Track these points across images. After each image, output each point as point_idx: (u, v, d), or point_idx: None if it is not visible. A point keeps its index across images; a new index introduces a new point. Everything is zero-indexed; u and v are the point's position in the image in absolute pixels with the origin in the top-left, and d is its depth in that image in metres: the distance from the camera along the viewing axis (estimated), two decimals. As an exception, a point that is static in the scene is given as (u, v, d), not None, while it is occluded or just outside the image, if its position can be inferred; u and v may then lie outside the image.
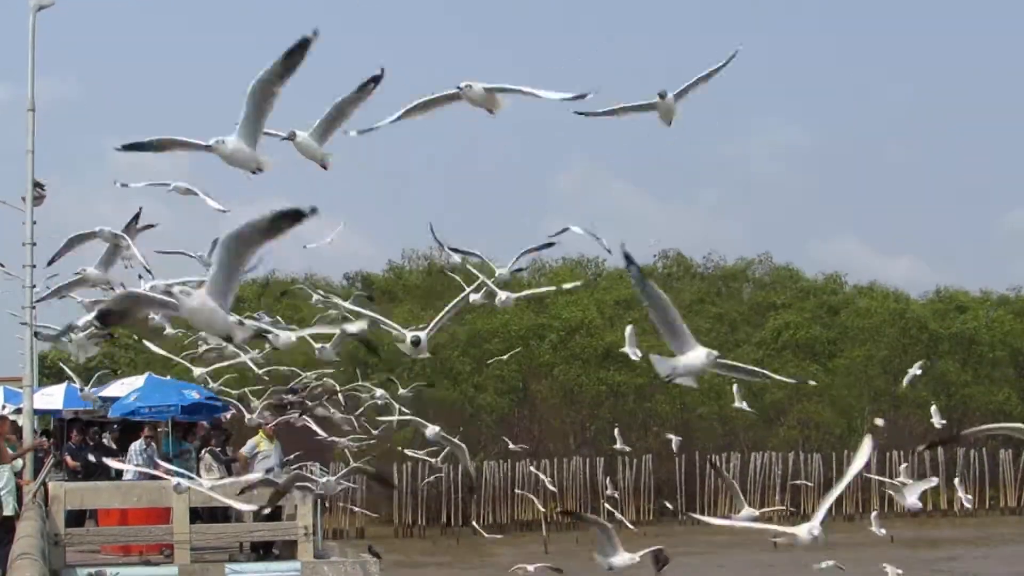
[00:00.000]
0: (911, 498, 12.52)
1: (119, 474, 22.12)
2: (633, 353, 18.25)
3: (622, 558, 12.95)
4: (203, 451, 23.34)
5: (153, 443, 22.72)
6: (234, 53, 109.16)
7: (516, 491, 46.95)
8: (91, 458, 24.40)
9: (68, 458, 24.85)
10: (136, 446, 22.45)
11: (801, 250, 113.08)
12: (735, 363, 9.39)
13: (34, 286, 22.74)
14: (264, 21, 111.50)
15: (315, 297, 16.23)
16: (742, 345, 55.87)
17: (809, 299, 60.83)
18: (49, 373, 47.20)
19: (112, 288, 13.62)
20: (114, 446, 26.02)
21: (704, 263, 64.10)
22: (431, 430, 15.20)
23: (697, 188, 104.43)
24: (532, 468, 45.58)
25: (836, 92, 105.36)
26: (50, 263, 14.78)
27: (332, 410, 20.89)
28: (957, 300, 60.26)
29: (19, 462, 19.77)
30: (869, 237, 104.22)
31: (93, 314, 12.64)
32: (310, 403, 19.86)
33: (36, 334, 18.30)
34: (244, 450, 21.18)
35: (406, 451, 28.40)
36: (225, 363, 19.11)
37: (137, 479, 20.87)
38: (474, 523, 41.44)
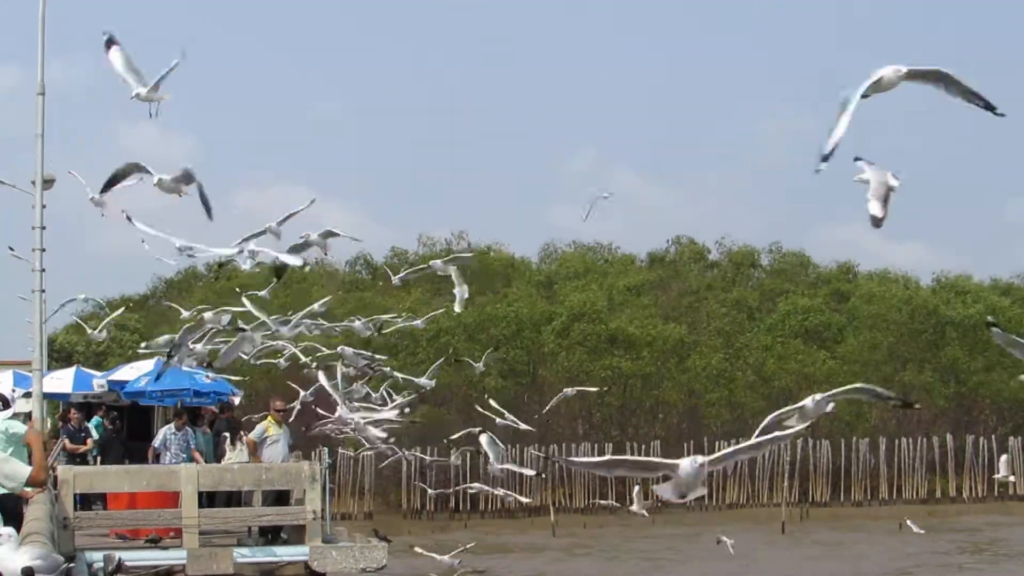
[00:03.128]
0: None
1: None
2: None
3: None
4: (224, 433, 23.36)
5: (187, 428, 22.55)
6: (243, 40, 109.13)
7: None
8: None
9: (67, 441, 24.81)
10: (168, 431, 22.34)
11: (810, 235, 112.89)
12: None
13: (43, 269, 22.80)
14: (276, 6, 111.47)
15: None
16: (751, 330, 55.82)
17: (820, 286, 60.72)
18: (58, 357, 47.34)
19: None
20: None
21: (717, 248, 64.01)
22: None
23: (706, 175, 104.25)
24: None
25: (842, 78, 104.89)
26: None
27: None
28: (958, 286, 60.09)
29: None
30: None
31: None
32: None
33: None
34: (252, 435, 21.21)
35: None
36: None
37: (179, 463, 20.87)
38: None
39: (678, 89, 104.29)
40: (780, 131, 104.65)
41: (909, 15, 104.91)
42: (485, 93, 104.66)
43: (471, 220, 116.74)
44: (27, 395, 25.22)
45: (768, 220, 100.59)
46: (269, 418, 21.15)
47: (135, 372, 28.95)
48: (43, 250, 22.61)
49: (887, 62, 7.63)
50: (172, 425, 22.38)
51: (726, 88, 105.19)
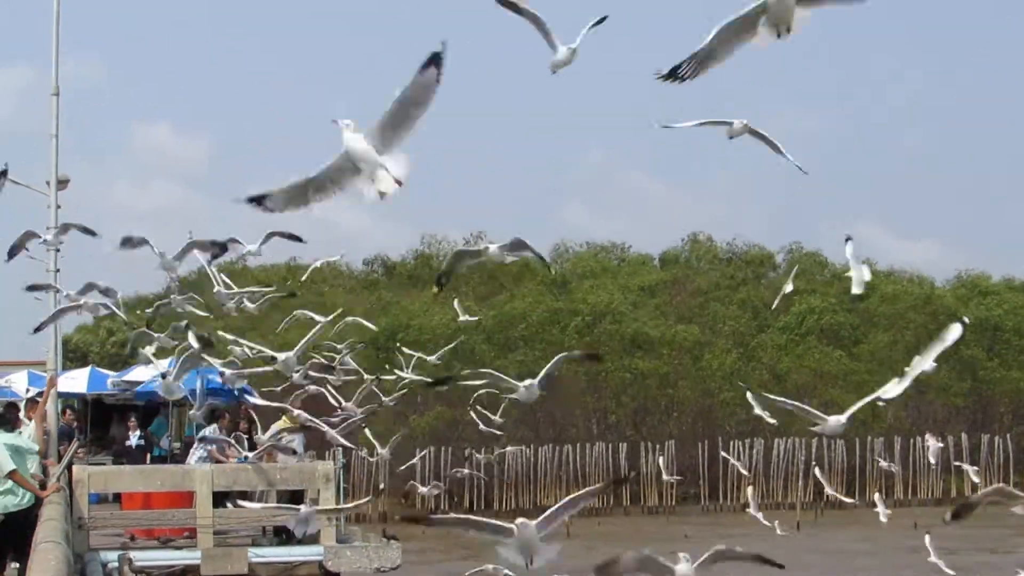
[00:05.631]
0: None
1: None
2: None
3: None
4: (230, 436, 23.26)
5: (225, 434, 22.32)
6: (256, 38, 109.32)
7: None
8: (130, 443, 24.53)
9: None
10: (212, 430, 22.20)
11: (822, 234, 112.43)
12: None
13: (58, 270, 22.85)
14: (279, 9, 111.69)
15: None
16: (766, 330, 55.63)
17: (835, 285, 60.58)
18: (73, 357, 47.40)
19: None
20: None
21: (729, 248, 63.84)
22: None
23: (717, 174, 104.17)
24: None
25: (849, 76, 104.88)
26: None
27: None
28: (979, 285, 59.94)
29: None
30: (890, 221, 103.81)
31: None
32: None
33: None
34: (267, 435, 21.14)
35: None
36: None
37: (207, 462, 20.79)
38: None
39: (682, 89, 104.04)
40: (785, 131, 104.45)
41: (909, 15, 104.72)
42: (488, 93, 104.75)
43: (481, 220, 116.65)
44: (41, 393, 25.18)
45: (776, 220, 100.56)
46: (283, 419, 21.11)
47: (149, 372, 28.93)
48: (58, 250, 22.66)
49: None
50: (216, 425, 22.24)
51: (730, 88, 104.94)
